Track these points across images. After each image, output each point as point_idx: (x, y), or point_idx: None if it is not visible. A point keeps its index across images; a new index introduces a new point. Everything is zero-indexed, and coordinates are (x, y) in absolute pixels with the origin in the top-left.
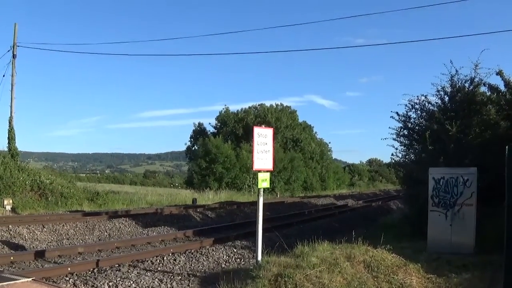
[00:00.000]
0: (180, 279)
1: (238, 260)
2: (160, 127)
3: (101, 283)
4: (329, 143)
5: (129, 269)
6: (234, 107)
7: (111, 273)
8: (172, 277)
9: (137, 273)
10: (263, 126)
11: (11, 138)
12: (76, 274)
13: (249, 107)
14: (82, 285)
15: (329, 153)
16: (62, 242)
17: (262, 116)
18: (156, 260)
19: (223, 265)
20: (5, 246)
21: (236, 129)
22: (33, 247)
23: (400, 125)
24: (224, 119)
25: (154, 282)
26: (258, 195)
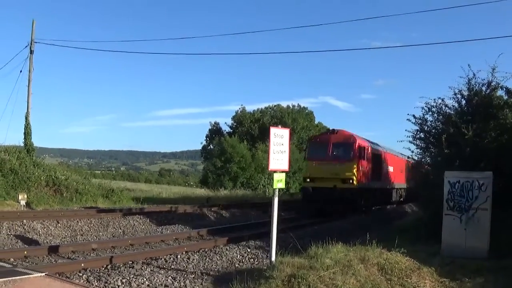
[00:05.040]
0: (193, 277)
1: (252, 260)
2: (176, 125)
3: (114, 279)
4: None
5: (142, 266)
6: (250, 107)
7: (124, 270)
8: (185, 275)
9: (151, 270)
10: (280, 126)
11: (27, 134)
12: (90, 270)
13: (265, 108)
14: (95, 281)
15: None
16: (76, 238)
17: (278, 116)
18: (170, 258)
19: (236, 265)
20: (19, 241)
21: (252, 129)
22: (46, 242)
23: (417, 128)
24: (240, 119)
25: (167, 280)
26: (273, 196)
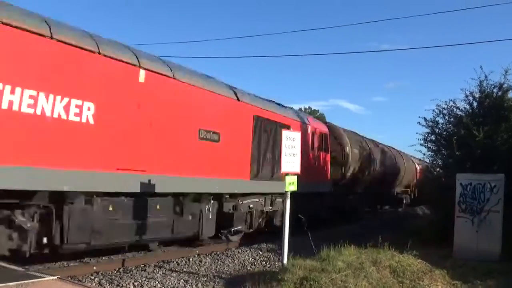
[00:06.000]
0: (205, 280)
1: (264, 262)
2: None
3: (126, 282)
4: None
5: (154, 269)
6: None
7: (136, 273)
8: (197, 278)
9: (163, 273)
10: (291, 129)
11: None
12: (102, 273)
13: None
14: (108, 284)
15: None
16: None
17: None
18: (182, 261)
19: (248, 267)
20: None
21: None
22: None
23: (428, 130)
24: None
25: (179, 283)
26: (285, 198)
